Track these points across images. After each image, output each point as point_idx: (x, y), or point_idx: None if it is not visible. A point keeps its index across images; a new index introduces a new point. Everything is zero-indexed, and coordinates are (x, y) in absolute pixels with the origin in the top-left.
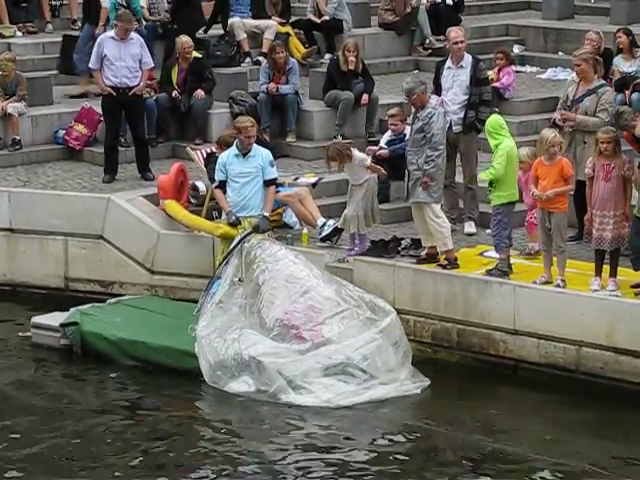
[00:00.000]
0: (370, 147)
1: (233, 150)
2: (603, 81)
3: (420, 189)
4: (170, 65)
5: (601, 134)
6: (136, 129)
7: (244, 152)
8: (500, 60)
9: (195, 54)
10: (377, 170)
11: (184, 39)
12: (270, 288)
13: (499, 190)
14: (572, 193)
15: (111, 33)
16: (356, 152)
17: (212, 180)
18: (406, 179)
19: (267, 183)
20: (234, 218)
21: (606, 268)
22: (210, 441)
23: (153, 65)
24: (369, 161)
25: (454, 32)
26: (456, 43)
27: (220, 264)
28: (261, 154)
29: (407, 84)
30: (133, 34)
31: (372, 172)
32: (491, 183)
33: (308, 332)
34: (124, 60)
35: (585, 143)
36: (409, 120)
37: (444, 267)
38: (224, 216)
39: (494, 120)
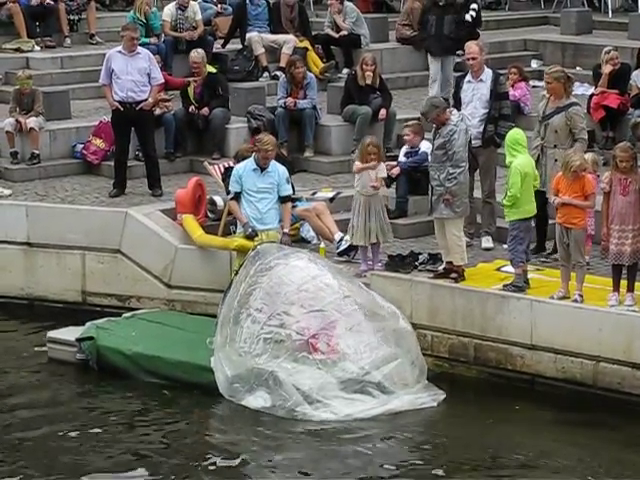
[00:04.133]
0: (388, 162)
1: (251, 163)
2: (573, 99)
3: (443, 205)
4: (187, 80)
5: (620, 152)
6: (145, 145)
7: (262, 167)
8: (514, 75)
9: (210, 69)
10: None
11: (193, 54)
12: (283, 270)
13: (515, 207)
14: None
15: (119, 47)
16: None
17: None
18: (429, 194)
19: (282, 200)
20: (251, 230)
21: (623, 283)
22: (223, 456)
23: (163, 81)
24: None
25: (470, 47)
26: (469, 59)
27: (235, 274)
28: (278, 171)
29: (422, 108)
30: (141, 48)
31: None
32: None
33: (324, 344)
34: (130, 74)
35: (556, 161)
36: (428, 135)
37: (456, 280)
38: (239, 229)
39: (511, 135)
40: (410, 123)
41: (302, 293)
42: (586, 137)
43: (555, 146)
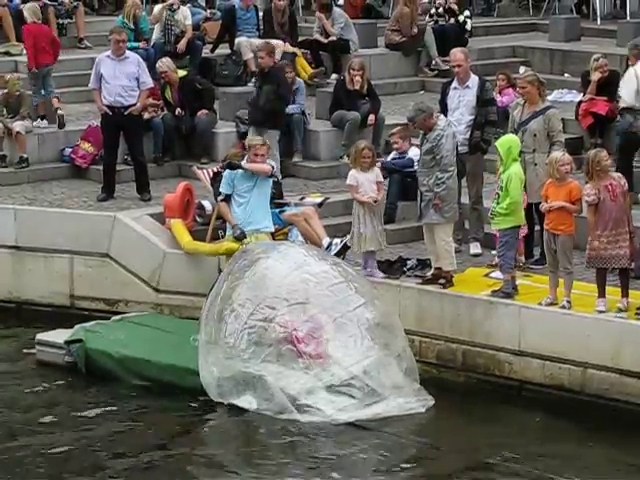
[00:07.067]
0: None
1: None
2: (548, 103)
3: (432, 211)
4: (163, 86)
5: (600, 154)
6: (133, 149)
7: None
8: (502, 82)
9: (180, 73)
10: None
11: (158, 64)
12: (266, 264)
13: (510, 215)
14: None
15: (108, 52)
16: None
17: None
18: (418, 199)
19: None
20: (239, 232)
21: (609, 289)
22: (210, 458)
23: (152, 85)
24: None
25: (455, 54)
26: (454, 67)
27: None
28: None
29: (409, 113)
30: (130, 53)
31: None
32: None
33: (310, 339)
34: (119, 78)
35: (536, 165)
36: (415, 141)
37: (444, 286)
38: (229, 231)
39: (509, 141)
40: (395, 130)
41: (286, 286)
42: (563, 140)
43: (534, 150)
